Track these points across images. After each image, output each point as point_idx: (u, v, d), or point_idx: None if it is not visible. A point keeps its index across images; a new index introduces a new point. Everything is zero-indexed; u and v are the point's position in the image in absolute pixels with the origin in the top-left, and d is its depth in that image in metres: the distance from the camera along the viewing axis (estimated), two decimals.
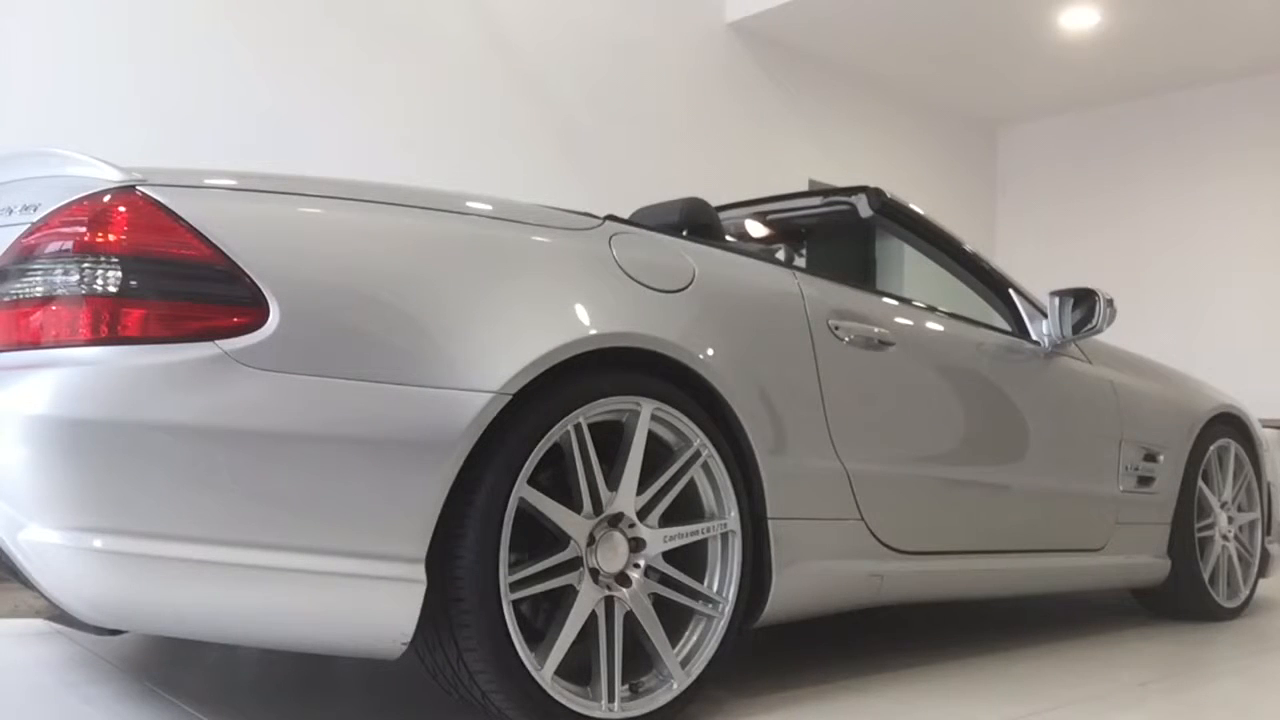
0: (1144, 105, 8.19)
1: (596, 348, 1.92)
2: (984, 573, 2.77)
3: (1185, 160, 7.98)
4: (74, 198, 1.64)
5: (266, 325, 1.62)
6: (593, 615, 1.92)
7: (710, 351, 2.10)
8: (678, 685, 2.00)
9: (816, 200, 3.20)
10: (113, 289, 1.57)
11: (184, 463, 1.55)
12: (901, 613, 3.53)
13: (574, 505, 1.92)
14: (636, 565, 1.99)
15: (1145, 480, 3.31)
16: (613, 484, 1.97)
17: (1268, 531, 3.80)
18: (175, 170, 1.71)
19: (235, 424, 1.58)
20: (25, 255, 1.64)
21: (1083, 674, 2.65)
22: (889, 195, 2.96)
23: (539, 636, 1.91)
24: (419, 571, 1.69)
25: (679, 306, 2.11)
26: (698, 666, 2.04)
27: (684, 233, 2.50)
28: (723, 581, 2.11)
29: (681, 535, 2.06)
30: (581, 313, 1.94)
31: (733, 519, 2.11)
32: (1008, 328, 3.07)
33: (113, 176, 1.65)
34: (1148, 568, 3.34)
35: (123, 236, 1.59)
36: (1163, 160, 8.10)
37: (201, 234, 1.62)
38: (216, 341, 1.59)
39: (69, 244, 1.60)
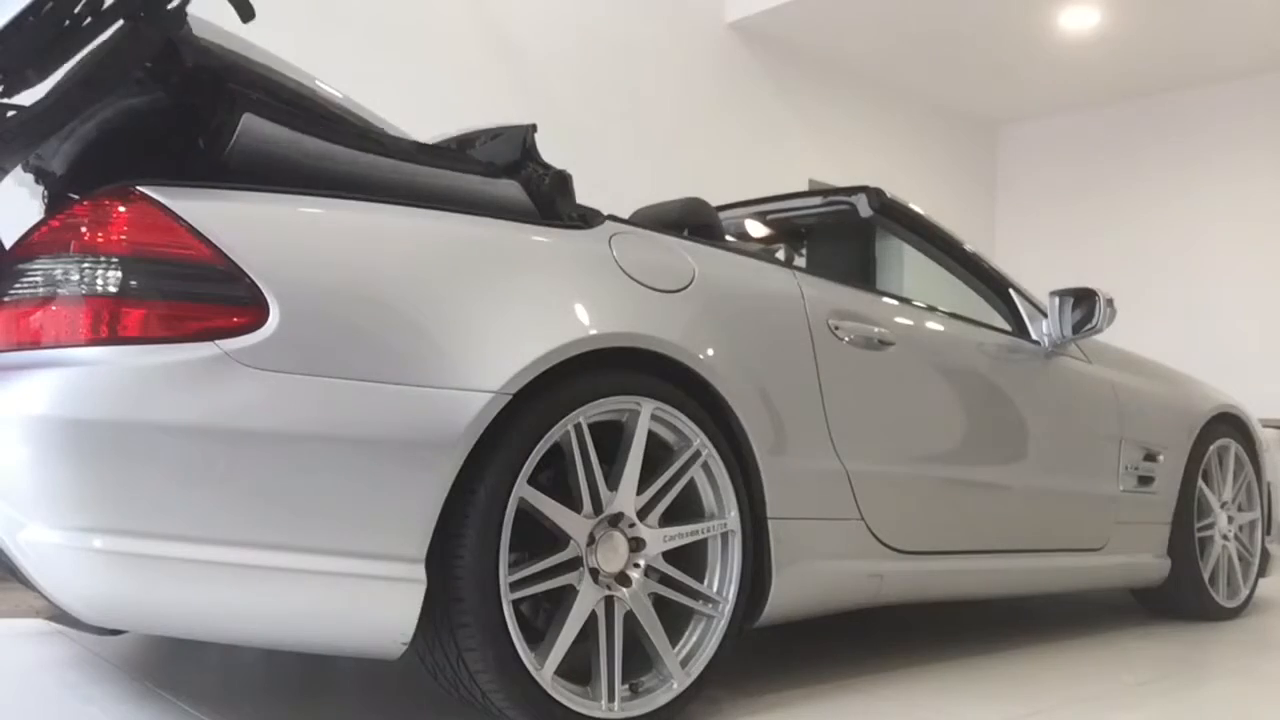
0: (1144, 105, 8.19)
1: (596, 348, 1.92)
2: (984, 573, 2.77)
3: (1185, 160, 7.98)
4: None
5: (266, 325, 1.62)
6: (593, 615, 1.92)
7: (710, 351, 2.10)
8: (678, 685, 2.00)
9: (816, 200, 3.20)
10: (113, 289, 1.57)
11: (184, 463, 1.55)
12: (901, 613, 3.52)
13: (574, 505, 1.92)
14: (636, 565, 1.99)
15: (1145, 480, 3.31)
16: (613, 484, 1.97)
17: (1268, 531, 3.80)
18: None
19: (235, 424, 1.58)
20: (25, 255, 1.65)
21: (1083, 674, 2.65)
22: (889, 195, 2.96)
23: (539, 636, 1.91)
24: (419, 571, 1.69)
25: (679, 306, 2.11)
26: (698, 666, 2.04)
27: (684, 233, 2.50)
28: (723, 581, 2.11)
29: (681, 535, 2.06)
30: (581, 313, 1.94)
31: (733, 519, 2.11)
32: (1008, 328, 3.07)
33: None
34: (1148, 567, 3.34)
35: (123, 237, 1.59)
36: (1163, 160, 8.10)
37: (201, 234, 1.62)
38: (216, 341, 1.59)
39: (69, 244, 1.60)
